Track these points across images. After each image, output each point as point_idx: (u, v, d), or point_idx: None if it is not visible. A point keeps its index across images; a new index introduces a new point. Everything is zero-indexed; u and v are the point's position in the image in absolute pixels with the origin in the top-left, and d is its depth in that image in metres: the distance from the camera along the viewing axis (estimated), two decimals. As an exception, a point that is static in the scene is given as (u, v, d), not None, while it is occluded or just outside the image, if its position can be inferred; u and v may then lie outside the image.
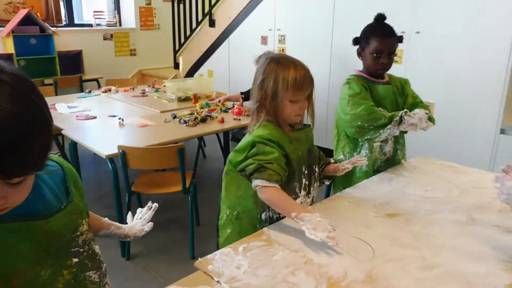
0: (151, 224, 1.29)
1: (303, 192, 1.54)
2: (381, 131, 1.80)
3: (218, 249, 1.54)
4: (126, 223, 1.30)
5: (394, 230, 1.38)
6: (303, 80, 1.41)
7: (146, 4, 6.59)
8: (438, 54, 3.30)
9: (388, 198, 1.64)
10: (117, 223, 1.24)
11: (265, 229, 1.36)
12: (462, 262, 1.19)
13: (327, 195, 2.12)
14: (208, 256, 1.20)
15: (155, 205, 1.34)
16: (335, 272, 1.13)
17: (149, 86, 4.48)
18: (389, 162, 2.01)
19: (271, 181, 1.33)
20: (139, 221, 1.29)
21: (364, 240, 1.30)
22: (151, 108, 3.41)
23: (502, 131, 3.05)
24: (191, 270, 1.14)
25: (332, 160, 1.76)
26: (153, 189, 2.58)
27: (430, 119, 1.87)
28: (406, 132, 1.99)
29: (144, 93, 4.09)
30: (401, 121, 1.77)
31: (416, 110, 1.81)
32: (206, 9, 5.29)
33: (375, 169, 1.98)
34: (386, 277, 1.11)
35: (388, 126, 1.79)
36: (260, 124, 1.46)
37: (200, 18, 5.47)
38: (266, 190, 1.34)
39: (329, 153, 2.05)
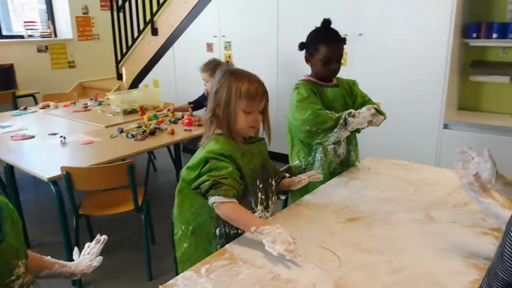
0: (100, 258, 1.21)
1: (260, 207, 1.50)
2: (330, 134, 1.80)
3: (175, 264, 1.52)
4: (78, 256, 1.20)
5: (357, 235, 1.37)
6: (256, 92, 1.41)
7: (83, 13, 6.31)
8: (380, 55, 3.40)
9: (347, 202, 1.64)
10: (61, 261, 1.14)
11: (227, 246, 1.31)
12: (427, 262, 1.20)
13: (285, 203, 2.09)
14: (169, 282, 1.13)
15: (104, 237, 1.25)
16: (303, 286, 1.09)
17: (92, 99, 4.27)
18: (343, 164, 2.02)
19: (228, 197, 1.31)
20: (87, 256, 1.20)
21: (329, 249, 1.28)
22: (95, 123, 3.23)
23: (445, 126, 3.19)
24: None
25: (287, 175, 1.74)
26: (103, 210, 2.43)
27: (380, 112, 1.89)
28: (359, 131, 2.01)
29: (86, 107, 3.88)
30: (346, 122, 1.78)
31: (362, 109, 1.81)
32: (148, 17, 5.14)
33: (331, 172, 1.98)
34: (354, 285, 1.09)
35: (335, 130, 1.79)
36: (212, 137, 1.44)
37: (141, 26, 5.30)
38: (224, 206, 1.32)
39: (282, 158, 2.03)
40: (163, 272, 2.48)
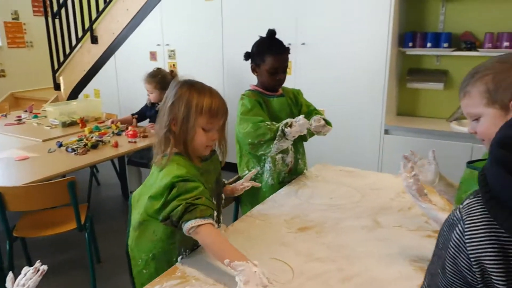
0: None
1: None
2: (271, 145, 1.81)
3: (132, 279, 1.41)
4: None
5: (308, 244, 1.38)
6: (218, 108, 1.33)
7: (13, 19, 5.93)
8: (323, 63, 3.49)
9: (297, 211, 1.65)
10: None
11: (178, 264, 1.26)
12: (376, 268, 1.22)
13: (236, 214, 2.07)
14: (117, 307, 1.06)
15: (43, 267, 1.07)
16: (258, 301, 1.07)
17: (26, 111, 4.01)
18: (292, 172, 2.04)
19: (205, 217, 1.20)
20: None
21: (282, 260, 1.27)
22: (31, 137, 3.03)
23: (386, 131, 3.33)
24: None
25: (225, 181, 1.71)
26: (41, 231, 2.26)
27: (328, 123, 1.93)
28: (306, 140, 2.04)
29: (20, 119, 3.64)
30: (284, 134, 1.78)
31: (299, 117, 1.81)
32: (87, 24, 4.94)
33: (280, 181, 1.99)
34: (312, 299, 1.09)
35: (275, 141, 1.79)
36: (169, 159, 1.31)
37: (80, 34, 5.08)
38: (201, 229, 1.20)
39: (231, 166, 2.02)
40: (110, 292, 2.36)
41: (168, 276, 1.20)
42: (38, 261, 1.08)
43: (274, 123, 1.83)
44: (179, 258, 1.33)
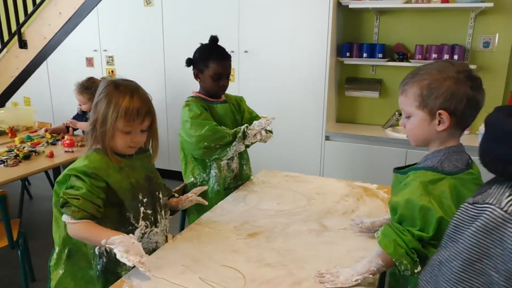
0: None
1: (142, 222, 1.41)
2: (228, 148, 1.82)
3: None
4: None
5: (258, 250, 1.38)
6: (137, 111, 1.31)
7: None
8: (266, 71, 3.54)
9: (246, 217, 1.65)
10: None
11: (125, 277, 1.21)
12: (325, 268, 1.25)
13: (182, 222, 2.03)
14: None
15: None
16: (211, 310, 1.06)
17: None
18: (237, 178, 2.04)
19: (75, 218, 1.25)
20: None
21: (233, 267, 1.26)
22: (-47, 148, 2.78)
23: (327, 138, 3.44)
24: None
25: (176, 194, 1.69)
26: (-34, 249, 2.08)
27: (269, 130, 1.96)
28: (248, 146, 2.05)
29: None
30: (244, 136, 1.82)
31: (255, 122, 1.89)
32: (13, 27, 4.63)
33: (226, 187, 1.99)
34: (263, 303, 1.09)
35: (234, 143, 1.81)
36: (87, 152, 1.35)
37: (6, 38, 4.75)
38: (71, 227, 1.27)
39: (175, 175, 1.98)
40: (46, 312, 2.20)
41: (115, 289, 1.15)
42: None
43: (228, 128, 1.86)
44: (96, 249, 1.35)
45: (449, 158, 1.11)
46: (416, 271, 1.07)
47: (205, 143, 1.80)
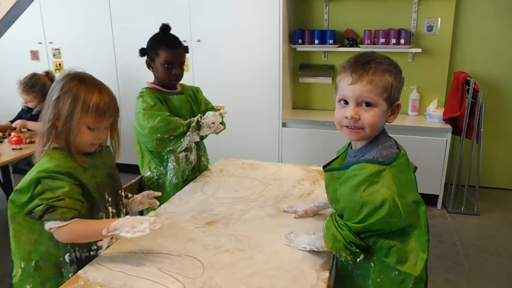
0: None
1: None
2: (182, 139, 1.80)
3: None
4: None
5: (216, 237, 1.39)
6: (107, 107, 1.27)
7: None
8: (220, 60, 3.53)
9: (204, 206, 1.65)
10: None
11: (80, 272, 1.19)
12: (283, 253, 1.28)
13: (140, 215, 2.00)
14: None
15: None
16: (169, 299, 1.06)
17: None
18: (195, 170, 2.04)
19: (67, 220, 1.18)
20: None
21: (192, 256, 1.27)
22: None
23: (284, 124, 3.48)
24: None
25: (130, 195, 1.61)
26: None
27: (222, 122, 1.96)
28: (204, 137, 2.04)
29: None
30: (199, 126, 1.81)
31: (208, 112, 1.88)
32: (-51, 21, 4.34)
33: (185, 179, 1.98)
34: (220, 287, 1.10)
35: (188, 133, 1.80)
36: (46, 152, 1.25)
37: None
38: (63, 230, 1.18)
39: (132, 168, 1.96)
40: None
41: (70, 285, 1.12)
42: None
43: (181, 119, 1.83)
44: (66, 256, 1.28)
45: (384, 146, 1.13)
46: (358, 259, 1.12)
47: (158, 135, 1.77)
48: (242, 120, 3.55)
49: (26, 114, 3.01)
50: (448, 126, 3.15)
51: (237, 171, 2.07)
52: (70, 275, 1.27)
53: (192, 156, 1.99)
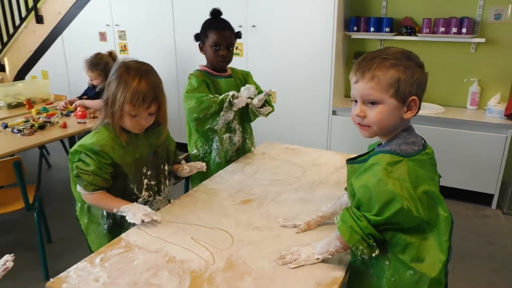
0: None
1: (146, 193, 1.57)
2: (217, 118, 1.88)
3: (84, 235, 1.62)
4: None
5: (249, 215, 1.47)
6: (143, 97, 1.38)
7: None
8: (273, 46, 3.57)
9: (242, 185, 1.74)
10: None
11: (123, 235, 1.33)
12: (308, 235, 1.34)
13: (186, 190, 2.14)
14: (62, 274, 1.12)
15: (9, 264, 1.12)
16: (197, 265, 1.16)
17: (-32, 93, 3.84)
18: (239, 151, 2.12)
19: (87, 191, 1.43)
20: None
21: (224, 229, 1.36)
22: (-26, 119, 2.94)
23: (334, 112, 3.48)
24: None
25: (183, 161, 1.79)
26: (-13, 210, 2.25)
27: (269, 104, 2.02)
28: (251, 120, 2.11)
29: (-38, 101, 3.50)
30: (231, 104, 1.86)
31: (242, 88, 1.93)
32: (30, 3, 4.74)
33: (227, 160, 2.06)
34: (244, 260, 1.19)
35: (221, 113, 1.87)
36: (97, 127, 1.48)
37: (24, 13, 4.88)
38: (85, 197, 1.47)
39: (183, 147, 2.08)
40: (62, 270, 2.36)
41: (112, 246, 1.26)
42: (10, 256, 1.13)
43: (216, 95, 1.89)
44: (104, 211, 1.53)
45: (406, 142, 1.11)
46: (373, 254, 1.09)
47: (194, 115, 1.87)
48: (292, 106, 3.59)
49: (91, 91, 3.25)
50: (510, 122, 2.98)
51: (279, 155, 2.13)
52: (105, 226, 1.55)
53: (236, 138, 2.07)
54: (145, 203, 1.55)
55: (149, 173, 1.56)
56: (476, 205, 3.19)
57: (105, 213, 1.53)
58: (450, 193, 3.24)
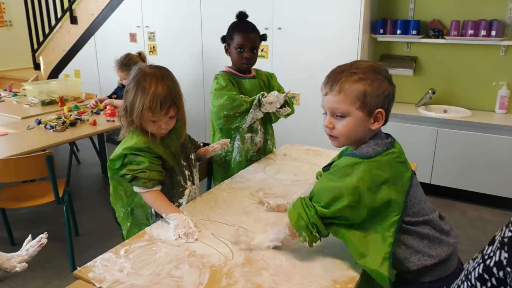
0: (24, 265, 1.23)
1: (189, 183, 1.63)
2: (246, 116, 1.92)
3: (123, 239, 1.60)
4: None
5: (269, 214, 1.50)
6: (161, 102, 1.41)
7: (-8, -2, 5.86)
8: (298, 48, 3.59)
9: (263, 185, 1.77)
10: None
11: (147, 229, 1.38)
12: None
13: (208, 188, 2.19)
14: (88, 263, 1.18)
15: (44, 240, 1.27)
16: (217, 260, 1.20)
17: (5, 90, 4.03)
18: (260, 152, 2.15)
19: (147, 188, 1.45)
20: (21, 253, 1.23)
21: (243, 227, 1.40)
22: (10, 115, 3.09)
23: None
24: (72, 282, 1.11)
25: (201, 144, 1.88)
26: (21, 202, 2.36)
27: (289, 105, 2.04)
28: (272, 121, 2.14)
29: (-1, 98, 3.68)
30: (260, 103, 1.91)
31: (271, 92, 1.96)
32: (66, 4, 4.92)
33: (248, 159, 2.10)
34: (262, 257, 1.22)
35: (250, 111, 1.91)
36: (127, 132, 1.50)
37: (59, 14, 5.07)
38: (144, 195, 1.48)
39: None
40: (87, 262, 2.46)
41: (136, 239, 1.32)
42: (46, 233, 1.28)
43: (247, 96, 1.95)
44: (152, 210, 1.55)
45: (368, 145, 1.15)
46: (314, 244, 1.15)
47: (225, 112, 1.92)
48: (316, 108, 3.58)
49: (121, 90, 3.36)
50: (539, 128, 2.91)
51: (300, 156, 2.15)
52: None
53: (258, 138, 2.11)
54: (189, 192, 1.63)
55: (185, 164, 1.62)
56: (504, 211, 3.12)
57: (153, 212, 1.56)
58: (477, 198, 3.18)
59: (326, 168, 1.30)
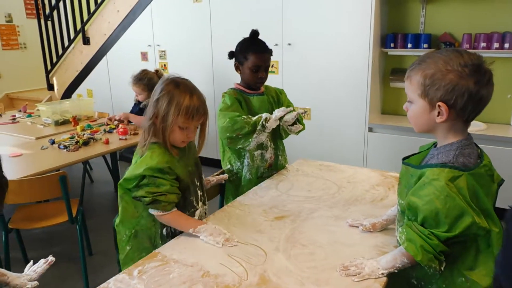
0: (35, 283, 1.25)
1: (200, 203, 1.62)
2: (250, 139, 1.91)
3: (119, 266, 1.59)
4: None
5: (282, 231, 1.48)
6: (196, 110, 1.44)
7: (7, 22, 6.00)
8: (309, 63, 3.59)
9: (276, 202, 1.75)
10: (1, 270, 1.15)
11: (160, 249, 1.37)
12: (342, 251, 1.33)
13: (221, 206, 2.17)
14: (102, 285, 1.17)
15: (51, 258, 1.33)
16: (231, 280, 1.18)
17: (20, 111, 4.10)
18: (271, 168, 2.13)
19: (167, 211, 1.45)
20: (31, 273, 1.26)
21: (257, 245, 1.38)
22: (24, 135, 3.12)
23: (370, 129, 3.44)
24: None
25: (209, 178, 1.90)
26: (34, 223, 2.36)
27: (300, 122, 2.03)
28: (282, 138, 2.12)
29: (14, 119, 3.73)
30: (264, 127, 1.89)
31: (275, 110, 1.94)
32: (78, 25, 5.02)
33: (258, 176, 2.07)
34: (277, 275, 1.19)
35: (254, 135, 1.90)
36: (148, 146, 1.46)
37: (72, 35, 5.17)
38: (162, 218, 1.47)
39: (215, 162, 2.12)
40: (101, 282, 2.44)
41: (149, 259, 1.30)
42: (51, 255, 1.34)
43: (250, 116, 1.92)
44: (164, 230, 1.53)
45: (462, 153, 1.11)
46: (442, 268, 1.12)
47: (227, 134, 1.91)
48: (327, 123, 3.58)
49: (136, 107, 3.40)
50: (557, 140, 2.85)
51: (313, 171, 2.13)
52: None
53: (268, 155, 2.08)
54: (200, 213, 1.61)
55: (198, 183, 1.61)
56: (523, 227, 3.04)
57: (164, 232, 1.54)
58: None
59: (408, 161, 1.24)
